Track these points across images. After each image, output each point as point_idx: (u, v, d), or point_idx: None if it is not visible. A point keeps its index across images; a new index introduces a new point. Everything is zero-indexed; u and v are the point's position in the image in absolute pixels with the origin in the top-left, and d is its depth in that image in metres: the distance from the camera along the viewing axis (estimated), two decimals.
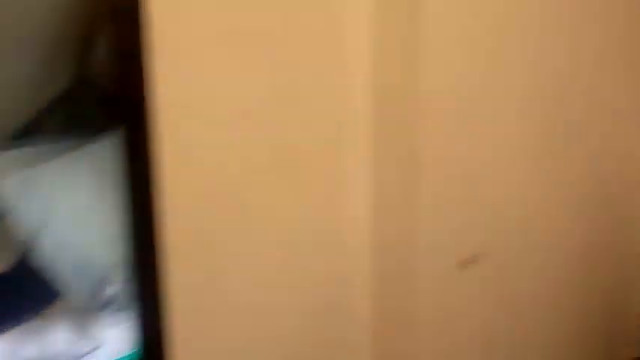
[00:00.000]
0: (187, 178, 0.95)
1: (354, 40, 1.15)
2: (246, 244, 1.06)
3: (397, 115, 1.21)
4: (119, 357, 1.07)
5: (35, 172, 1.23)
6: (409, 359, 1.37)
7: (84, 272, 1.10)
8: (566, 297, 2.16)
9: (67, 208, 1.19)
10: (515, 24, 1.50)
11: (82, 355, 1.04)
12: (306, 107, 1.12)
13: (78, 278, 1.10)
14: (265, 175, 1.06)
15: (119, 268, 1.08)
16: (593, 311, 2.47)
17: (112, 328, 1.09)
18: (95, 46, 1.53)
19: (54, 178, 1.23)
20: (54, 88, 1.55)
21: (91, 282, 1.10)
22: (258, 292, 1.10)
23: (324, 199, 1.17)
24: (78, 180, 1.21)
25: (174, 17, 0.87)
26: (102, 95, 1.49)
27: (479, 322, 1.58)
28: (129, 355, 1.06)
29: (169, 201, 0.92)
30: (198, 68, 0.93)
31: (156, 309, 0.94)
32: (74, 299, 1.10)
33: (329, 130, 1.16)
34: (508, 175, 1.60)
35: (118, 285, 1.09)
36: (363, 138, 1.21)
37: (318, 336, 1.20)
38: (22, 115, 1.52)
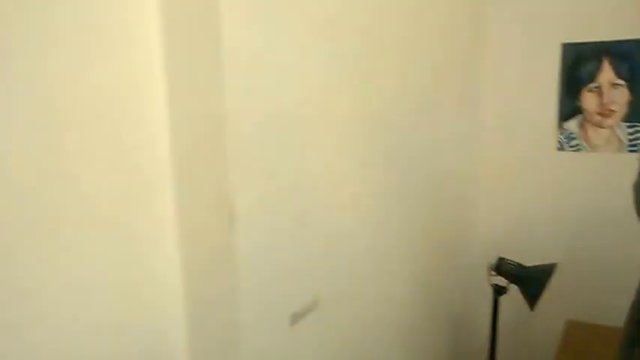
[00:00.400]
0: None
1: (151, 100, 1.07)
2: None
3: (203, 162, 1.12)
4: None
5: None
6: None
7: None
8: (411, 328, 2.20)
9: None
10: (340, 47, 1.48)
11: None
12: (106, 160, 1.01)
13: None
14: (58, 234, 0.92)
15: None
16: (439, 338, 2.57)
17: None
18: None
19: None
20: None
21: None
22: None
23: (126, 256, 1.05)
24: None
25: None
26: None
27: None
28: None
29: None
30: None
31: None
32: None
33: (128, 181, 1.05)
34: (335, 213, 1.57)
35: None
36: (166, 187, 1.11)
37: None
38: None
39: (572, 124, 2.46)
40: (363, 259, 1.72)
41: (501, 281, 2.15)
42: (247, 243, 1.19)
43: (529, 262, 2.14)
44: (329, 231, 1.51)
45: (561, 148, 2.50)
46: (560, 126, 2.49)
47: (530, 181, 2.61)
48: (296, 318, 1.41)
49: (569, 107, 2.45)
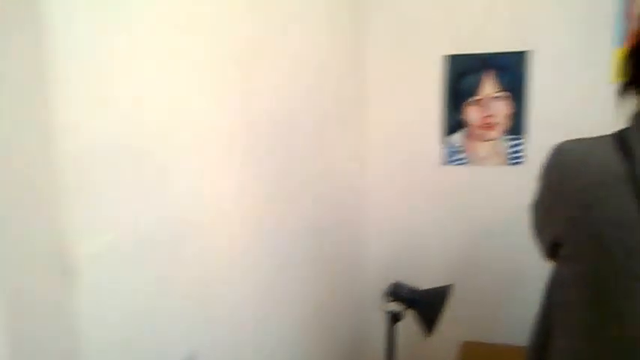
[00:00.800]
0: None
1: None
2: None
3: (27, 202, 0.83)
4: None
5: None
6: None
7: None
8: None
9: None
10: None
11: None
12: None
13: None
14: None
15: None
16: None
17: None
18: None
19: None
20: None
21: None
22: None
23: None
24: None
25: None
26: None
27: None
28: None
29: None
30: None
31: None
32: None
33: None
34: (209, 254, 1.33)
35: None
36: None
37: None
38: None
39: (456, 138, 2.41)
40: (246, 298, 1.48)
41: (397, 307, 2.00)
42: (92, 300, 0.91)
43: (424, 283, 2.02)
44: (202, 276, 1.26)
45: (446, 162, 2.44)
46: (444, 140, 2.43)
47: (417, 199, 2.53)
48: None
49: (453, 121, 2.40)
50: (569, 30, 2.21)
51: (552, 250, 1.10)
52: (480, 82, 2.34)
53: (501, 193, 2.38)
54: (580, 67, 2.21)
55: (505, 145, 2.36)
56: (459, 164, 2.42)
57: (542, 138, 2.18)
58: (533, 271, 1.20)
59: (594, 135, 1.02)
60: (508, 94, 2.32)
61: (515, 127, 2.33)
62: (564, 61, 2.23)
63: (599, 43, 2.17)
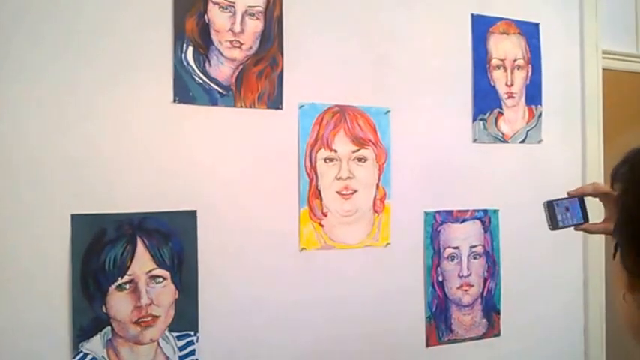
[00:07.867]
0: None
1: None
2: None
3: None
4: None
5: None
6: None
7: None
8: None
9: None
10: None
11: None
12: None
13: None
14: None
15: None
16: None
17: None
18: None
19: None
20: None
21: None
22: None
23: None
24: None
25: None
26: None
27: None
28: None
29: None
30: None
31: None
32: None
33: None
34: None
35: None
36: None
37: None
38: None
39: (96, 344, 1.53)
40: None
41: None
42: None
43: None
44: None
45: None
46: (76, 348, 1.51)
47: None
48: None
49: (90, 317, 1.52)
50: None
51: None
52: (131, 254, 1.56)
53: None
54: None
55: (172, 346, 1.60)
56: None
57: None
58: None
59: None
60: (170, 271, 1.60)
61: (183, 319, 1.61)
62: None
63: None
